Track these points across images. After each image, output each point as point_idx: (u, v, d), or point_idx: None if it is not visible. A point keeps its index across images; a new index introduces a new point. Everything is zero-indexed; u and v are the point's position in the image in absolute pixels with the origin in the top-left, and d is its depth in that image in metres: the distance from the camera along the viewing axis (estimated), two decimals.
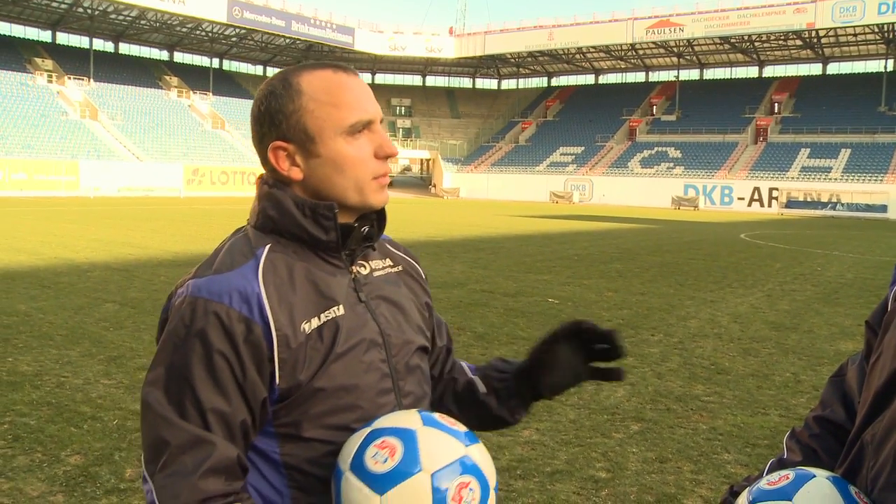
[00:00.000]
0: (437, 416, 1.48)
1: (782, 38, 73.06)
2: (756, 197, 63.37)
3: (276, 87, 1.54)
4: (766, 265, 18.85)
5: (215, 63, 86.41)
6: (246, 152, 67.78)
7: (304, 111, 1.51)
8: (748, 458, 5.41)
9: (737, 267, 18.22)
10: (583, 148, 77.38)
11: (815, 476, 1.42)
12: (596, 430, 5.91)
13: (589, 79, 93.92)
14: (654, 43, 76.32)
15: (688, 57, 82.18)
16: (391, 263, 1.72)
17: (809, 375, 7.90)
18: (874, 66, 77.74)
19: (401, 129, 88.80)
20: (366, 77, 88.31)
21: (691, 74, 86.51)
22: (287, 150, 1.53)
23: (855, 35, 72.24)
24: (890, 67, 74.64)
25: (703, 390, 7.16)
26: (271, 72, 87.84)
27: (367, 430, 1.43)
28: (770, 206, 62.28)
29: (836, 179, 63.16)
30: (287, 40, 79.33)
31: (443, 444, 1.39)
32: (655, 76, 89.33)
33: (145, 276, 13.85)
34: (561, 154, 77.20)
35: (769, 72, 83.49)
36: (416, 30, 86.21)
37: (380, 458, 1.36)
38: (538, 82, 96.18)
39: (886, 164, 63.47)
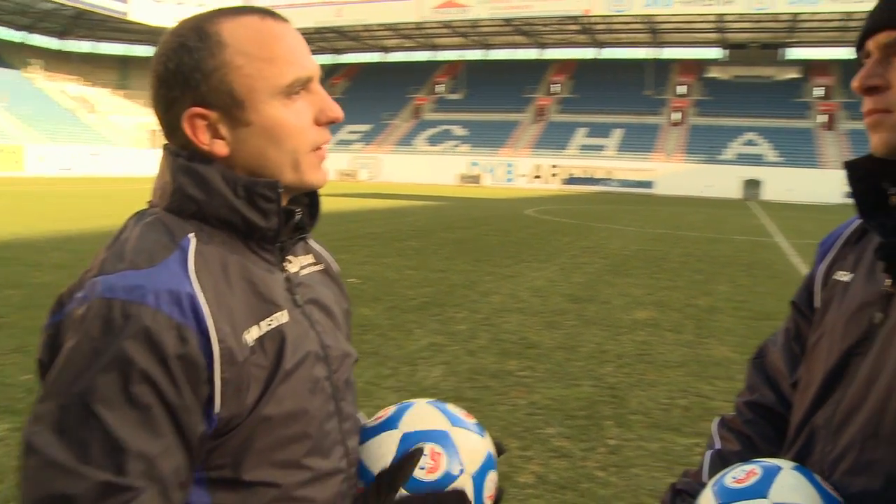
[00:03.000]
0: (451, 408, 1.47)
1: (561, 22, 76.21)
2: (538, 174, 66.10)
3: (189, 38, 1.20)
4: (556, 239, 19.54)
5: None
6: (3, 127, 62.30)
7: (228, 68, 1.19)
8: (570, 430, 5.45)
9: (529, 242, 18.74)
10: (370, 126, 77.48)
11: (780, 468, 1.34)
12: None
13: (376, 57, 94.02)
14: (440, 22, 77.35)
15: (473, 37, 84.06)
16: (314, 260, 1.43)
17: (612, 345, 8.16)
18: (642, 53, 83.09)
19: None
20: (144, 51, 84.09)
21: (476, 55, 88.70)
22: (208, 118, 1.20)
23: (625, 24, 76.73)
24: (654, 55, 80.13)
25: (516, 365, 7.20)
26: (34, 39, 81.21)
27: (397, 433, 1.36)
28: (551, 182, 65.12)
29: (610, 157, 67.08)
30: (52, 4, 73.32)
31: (472, 442, 1.41)
32: (442, 55, 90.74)
33: None
34: (348, 132, 76.88)
35: (549, 54, 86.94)
36: (201, 2, 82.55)
37: (425, 467, 1.33)
38: (326, 59, 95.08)
39: (652, 144, 68.20)
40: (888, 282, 1.35)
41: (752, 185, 62.16)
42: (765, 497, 1.28)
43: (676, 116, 73.10)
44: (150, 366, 1.05)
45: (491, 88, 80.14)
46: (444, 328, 8.68)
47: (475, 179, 65.61)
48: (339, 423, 1.32)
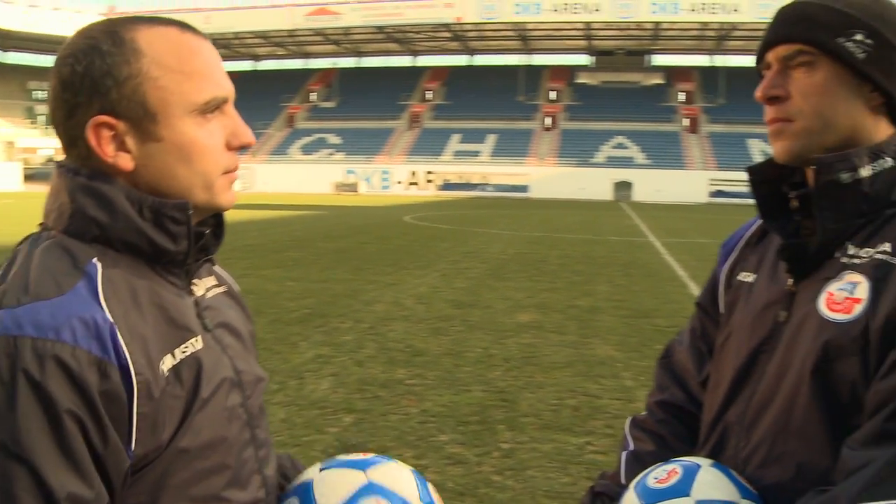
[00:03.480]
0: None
1: (433, 29, 76.80)
2: (414, 180, 66.36)
3: (102, 41, 1.11)
4: (435, 245, 19.63)
5: None
6: None
7: (144, 78, 1.10)
8: (463, 436, 5.43)
9: (408, 249, 18.75)
10: None
11: (700, 466, 1.39)
12: (310, 426, 5.62)
13: (247, 65, 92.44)
14: (312, 30, 76.70)
15: (345, 45, 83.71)
16: (217, 282, 1.35)
17: (499, 349, 8.21)
18: (513, 59, 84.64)
19: (41, 117, 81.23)
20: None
21: (349, 62, 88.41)
22: (115, 128, 1.11)
23: (496, 31, 78.04)
24: (525, 62, 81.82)
25: (405, 374, 7.14)
26: None
27: (360, 482, 1.29)
28: (427, 188, 65.49)
29: (484, 163, 68.01)
30: None
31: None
32: (314, 63, 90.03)
33: None
34: None
35: (422, 61, 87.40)
36: (56, 5, 79.11)
37: None
38: None
39: (526, 149, 69.59)
40: (790, 282, 1.41)
41: (623, 186, 64.14)
42: (688, 495, 1.32)
43: (548, 121, 74.77)
44: (76, 406, 0.98)
45: (365, 96, 79.97)
46: (330, 339, 8.55)
47: (351, 187, 65.30)
48: (255, 451, 1.24)
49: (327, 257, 16.84)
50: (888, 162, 1.32)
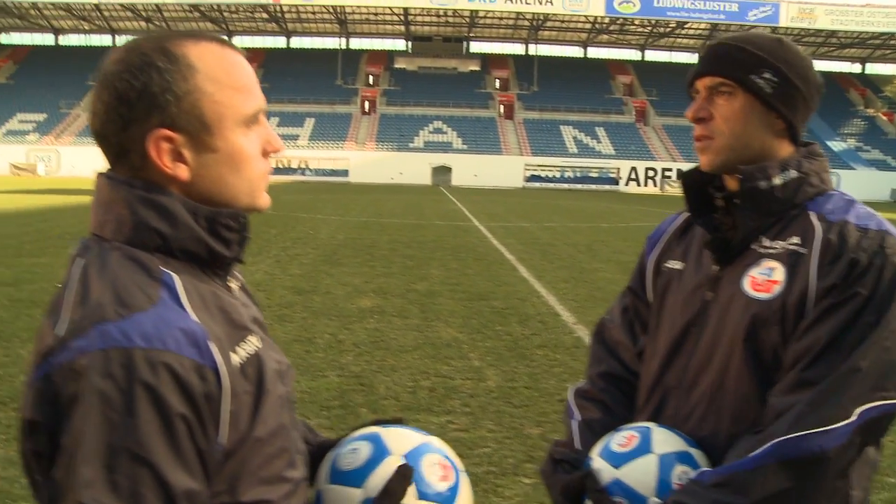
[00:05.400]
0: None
1: (250, 9, 75.03)
2: None
3: (155, 58, 1.17)
4: (264, 231, 19.34)
5: None
6: None
7: (200, 93, 1.19)
8: (328, 420, 5.57)
9: None
10: (45, 115, 71.70)
11: (650, 428, 1.69)
12: None
13: (48, 38, 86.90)
14: (121, 5, 73.06)
15: (157, 22, 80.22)
16: (237, 279, 1.44)
17: (346, 334, 8.36)
18: (331, 43, 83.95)
19: None
20: None
21: None
22: (174, 141, 1.18)
23: (314, 13, 77.24)
24: (343, 45, 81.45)
25: None
26: None
27: (421, 439, 1.47)
28: None
29: (303, 147, 67.37)
30: None
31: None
32: (122, 40, 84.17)
33: None
34: (19, 121, 70.68)
35: (238, 42, 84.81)
36: None
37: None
38: None
39: (345, 133, 69.55)
40: (715, 268, 1.75)
41: (442, 171, 65.37)
42: (651, 452, 1.62)
43: (367, 106, 74.98)
44: (185, 409, 1.07)
45: None
46: None
47: None
48: (296, 433, 1.37)
49: None
50: (793, 173, 1.68)
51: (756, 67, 1.66)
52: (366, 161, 66.20)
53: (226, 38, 1.28)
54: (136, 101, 1.17)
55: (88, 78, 76.32)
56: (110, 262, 1.16)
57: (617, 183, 67.00)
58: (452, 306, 10.13)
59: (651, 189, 67.12)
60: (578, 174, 66.81)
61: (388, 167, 64.74)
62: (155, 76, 1.17)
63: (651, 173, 68.74)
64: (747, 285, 1.66)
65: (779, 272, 1.63)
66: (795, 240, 1.64)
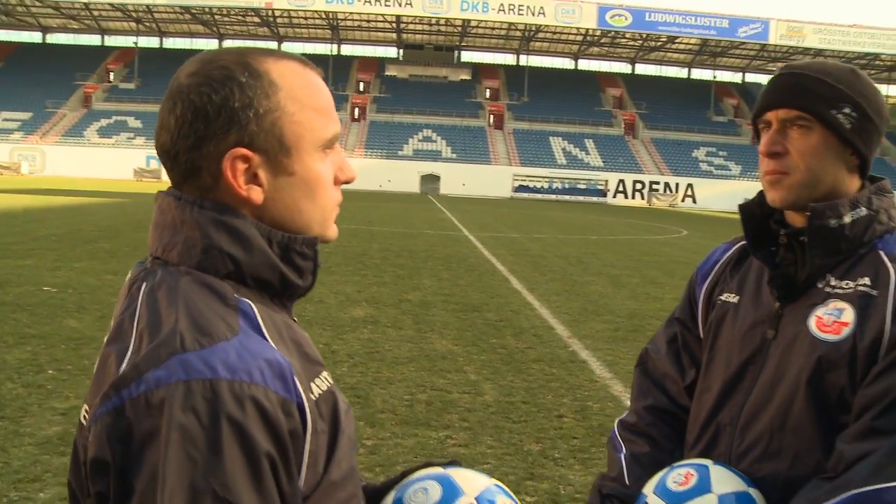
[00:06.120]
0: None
1: (243, 13, 74.96)
2: None
3: (236, 72, 1.09)
4: None
5: None
6: None
7: (282, 112, 1.10)
8: None
9: None
10: (31, 114, 71.27)
11: (708, 466, 1.62)
12: None
13: (35, 37, 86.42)
14: (111, 5, 72.80)
15: (147, 23, 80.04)
16: None
17: (340, 344, 8.29)
18: (323, 48, 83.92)
19: None
20: None
21: (151, 42, 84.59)
22: (251, 161, 1.10)
23: (306, 19, 77.31)
24: (335, 51, 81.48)
25: None
26: None
27: (490, 482, 1.46)
28: None
29: None
30: None
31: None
32: (112, 41, 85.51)
33: None
34: (4, 120, 70.19)
35: (229, 45, 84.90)
36: None
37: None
38: None
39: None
40: (777, 304, 1.68)
41: (431, 179, 65.42)
42: (711, 492, 1.56)
43: (357, 112, 74.96)
44: (271, 447, 0.98)
45: (167, 78, 75.30)
46: None
47: (154, 174, 62.65)
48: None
49: (142, 249, 15.48)
50: (863, 211, 1.62)
51: (836, 102, 1.60)
52: (354, 167, 65.96)
53: (306, 58, 1.19)
54: (215, 117, 1.08)
55: (76, 77, 76.23)
56: (181, 287, 1.06)
57: (605, 195, 67.26)
58: (446, 317, 10.06)
59: (639, 202, 67.38)
60: (567, 185, 67.07)
61: (377, 174, 64.60)
62: (237, 91, 1.09)
63: (639, 186, 69.04)
64: (814, 325, 1.60)
65: (848, 314, 1.57)
66: (866, 280, 1.58)
